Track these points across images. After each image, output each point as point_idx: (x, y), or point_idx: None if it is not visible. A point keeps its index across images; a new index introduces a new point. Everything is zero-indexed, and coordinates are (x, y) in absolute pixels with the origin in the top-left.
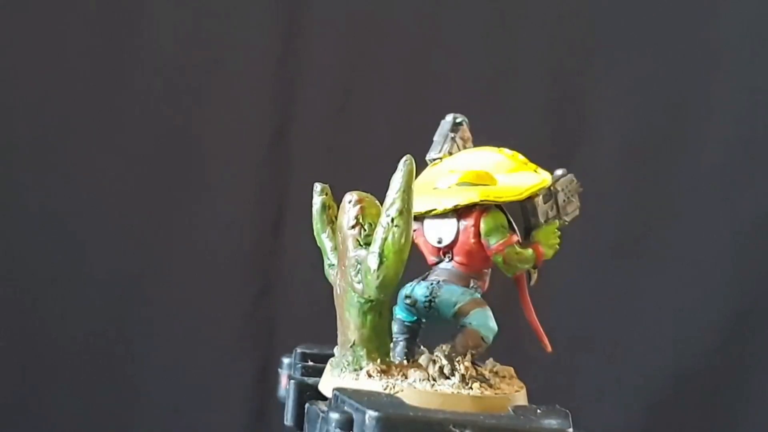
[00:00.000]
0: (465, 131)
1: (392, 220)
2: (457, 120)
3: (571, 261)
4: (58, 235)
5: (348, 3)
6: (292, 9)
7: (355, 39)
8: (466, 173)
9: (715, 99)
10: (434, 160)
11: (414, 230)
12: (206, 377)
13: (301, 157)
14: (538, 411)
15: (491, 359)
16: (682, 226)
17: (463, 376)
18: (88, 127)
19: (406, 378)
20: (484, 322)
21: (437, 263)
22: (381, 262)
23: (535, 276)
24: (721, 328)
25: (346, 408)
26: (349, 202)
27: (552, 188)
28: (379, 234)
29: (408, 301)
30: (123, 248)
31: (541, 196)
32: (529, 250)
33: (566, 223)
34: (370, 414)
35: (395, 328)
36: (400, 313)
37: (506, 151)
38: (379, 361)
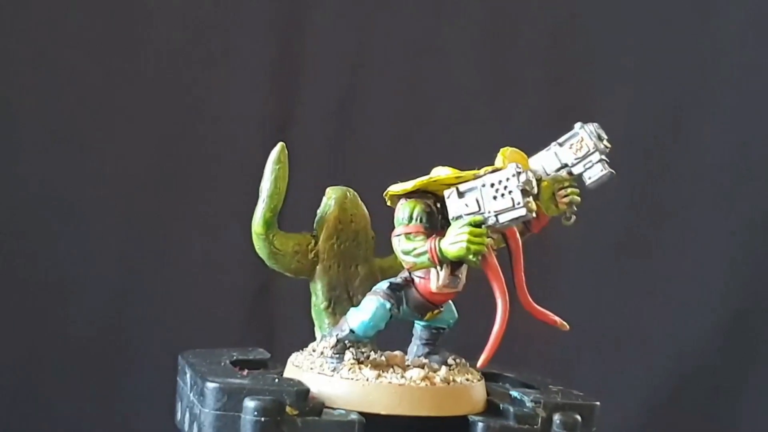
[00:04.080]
0: (576, 142)
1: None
2: (576, 126)
3: (570, 260)
4: (56, 235)
5: (348, 3)
6: (292, 8)
7: (355, 39)
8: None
9: (714, 99)
10: None
11: None
12: None
13: (301, 157)
14: (276, 379)
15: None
16: (682, 226)
17: (320, 353)
18: (87, 126)
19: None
20: (357, 311)
21: None
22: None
23: (441, 274)
24: (721, 327)
25: None
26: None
27: (477, 182)
28: None
29: None
30: (122, 248)
31: (455, 191)
32: (417, 243)
33: (498, 222)
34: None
35: None
36: None
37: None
38: (319, 337)
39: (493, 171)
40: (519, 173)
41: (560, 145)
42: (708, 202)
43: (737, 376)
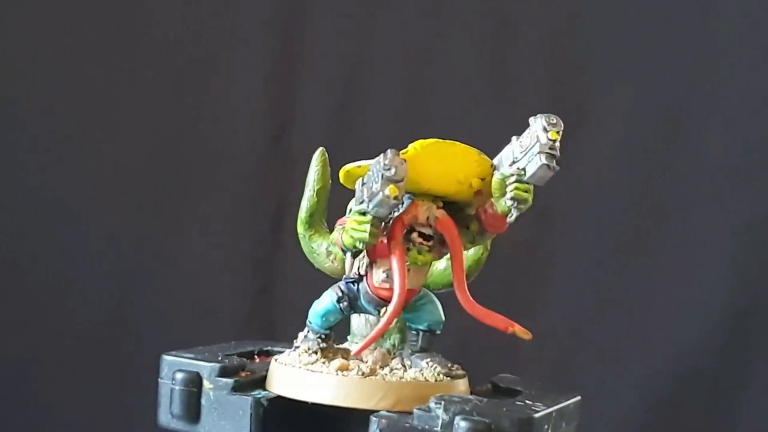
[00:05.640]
0: (526, 134)
1: None
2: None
3: (570, 260)
4: (56, 235)
5: (348, 3)
6: (292, 9)
7: (354, 39)
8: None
9: (714, 99)
10: None
11: None
12: None
13: (301, 157)
14: (219, 357)
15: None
16: (682, 226)
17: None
18: (88, 127)
19: None
20: (315, 303)
21: None
22: None
23: (346, 263)
24: (721, 328)
25: None
26: None
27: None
28: None
29: None
30: (123, 247)
31: (361, 181)
32: (336, 234)
33: (370, 209)
34: None
35: None
36: None
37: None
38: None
39: None
40: (383, 157)
41: (518, 138)
42: (708, 202)
43: (737, 377)
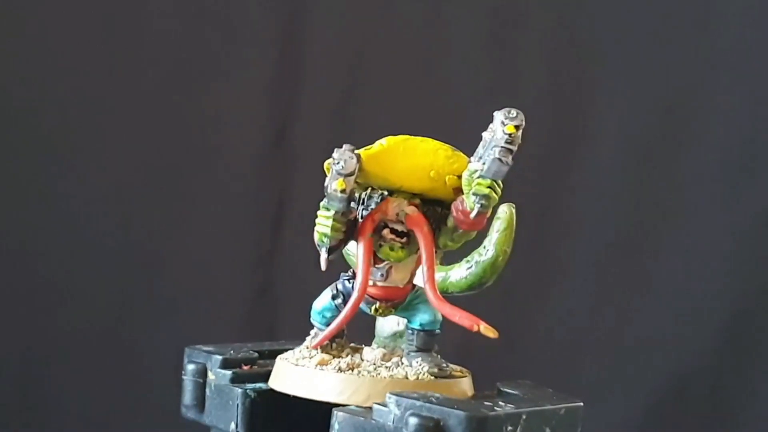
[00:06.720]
0: (491, 126)
1: None
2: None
3: (571, 260)
4: (56, 236)
5: (348, 3)
6: (292, 9)
7: (355, 39)
8: None
9: (715, 98)
10: None
11: None
12: None
13: (301, 157)
14: (231, 351)
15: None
16: (683, 226)
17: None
18: (88, 126)
19: None
20: (314, 304)
21: None
22: None
23: (322, 258)
24: (721, 328)
25: None
26: None
27: None
28: None
29: None
30: (123, 248)
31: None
32: None
33: (327, 204)
34: None
35: None
36: None
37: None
38: None
39: None
40: (335, 151)
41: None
42: (708, 202)
43: (737, 377)
